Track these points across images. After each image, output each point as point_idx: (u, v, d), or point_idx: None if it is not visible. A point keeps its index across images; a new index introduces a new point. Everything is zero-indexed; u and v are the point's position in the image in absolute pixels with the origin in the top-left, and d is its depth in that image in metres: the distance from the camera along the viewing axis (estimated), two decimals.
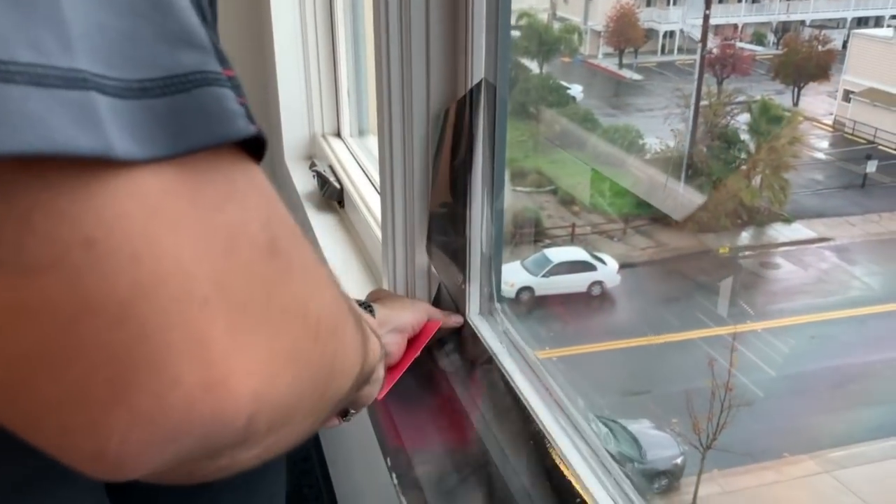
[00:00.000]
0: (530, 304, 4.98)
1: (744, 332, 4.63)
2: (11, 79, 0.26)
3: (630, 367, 4.89)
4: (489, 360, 0.88)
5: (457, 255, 0.91)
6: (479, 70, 0.83)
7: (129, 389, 0.29)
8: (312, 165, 1.43)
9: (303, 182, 1.49)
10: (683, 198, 4.83)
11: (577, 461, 0.75)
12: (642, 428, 4.64)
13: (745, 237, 5.17)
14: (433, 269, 0.95)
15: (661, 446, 4.49)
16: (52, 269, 0.27)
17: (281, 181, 1.72)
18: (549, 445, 0.77)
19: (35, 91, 0.26)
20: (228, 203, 0.33)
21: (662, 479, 4.49)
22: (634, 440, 4.52)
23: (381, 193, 0.92)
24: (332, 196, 1.34)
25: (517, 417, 0.82)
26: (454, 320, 0.95)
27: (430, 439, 0.85)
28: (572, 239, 5.33)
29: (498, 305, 0.93)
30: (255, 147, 0.34)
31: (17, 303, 0.27)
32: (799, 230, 5.11)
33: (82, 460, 0.30)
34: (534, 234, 5.27)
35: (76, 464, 0.30)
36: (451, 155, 0.86)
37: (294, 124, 1.64)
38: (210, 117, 0.31)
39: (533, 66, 5.56)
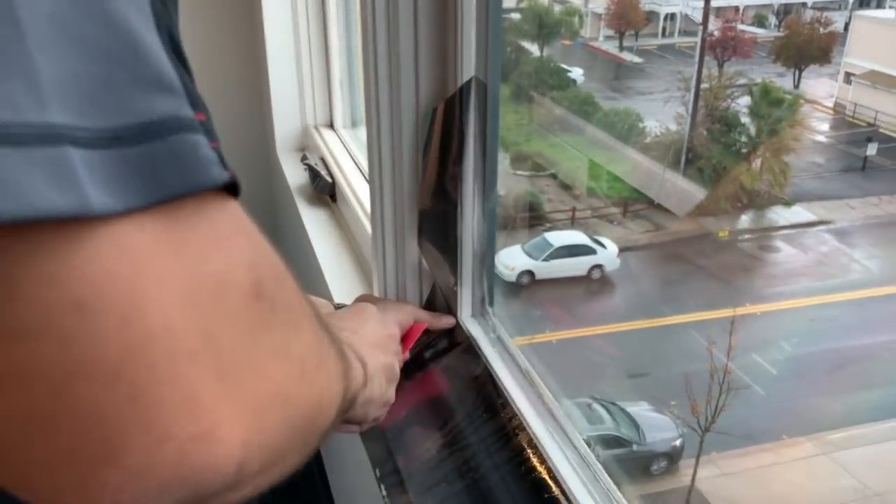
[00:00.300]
0: (530, 288, 5.00)
1: (743, 315, 4.65)
2: None
3: (629, 350, 4.91)
4: (481, 366, 0.88)
5: (448, 256, 0.91)
6: (469, 67, 0.84)
7: (121, 448, 0.29)
8: (304, 158, 1.44)
9: (294, 175, 1.48)
10: (682, 186, 4.84)
11: (567, 473, 0.74)
12: (641, 410, 4.66)
13: (745, 220, 5.18)
14: (427, 268, 0.96)
15: (660, 429, 4.51)
16: (42, 335, 0.28)
17: (273, 174, 1.72)
18: (539, 456, 0.77)
19: (9, 152, 0.26)
20: (213, 251, 0.33)
21: (661, 460, 4.52)
22: (633, 422, 4.54)
23: (371, 193, 0.92)
24: (324, 190, 1.34)
25: (508, 426, 0.82)
26: (444, 322, 0.94)
27: (417, 442, 0.85)
28: (573, 223, 5.33)
29: (490, 309, 0.93)
30: (231, 187, 0.34)
31: (8, 369, 0.28)
32: (799, 213, 5.11)
33: None
34: (534, 218, 5.27)
35: None
36: (439, 154, 0.87)
37: (286, 116, 1.64)
38: (185, 165, 0.31)
39: (533, 49, 5.54)
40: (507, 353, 0.87)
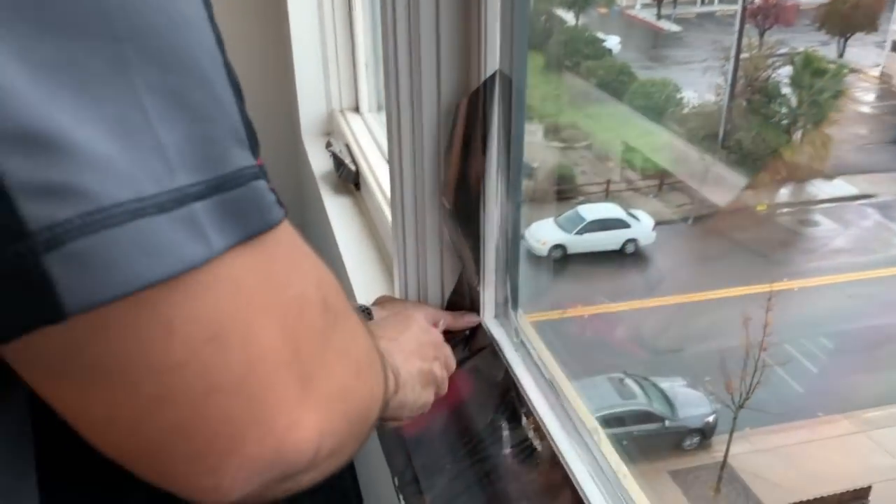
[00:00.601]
0: (562, 262, 4.95)
1: (780, 291, 4.56)
2: (145, 212, 0.32)
3: (663, 326, 4.86)
4: (504, 371, 0.85)
5: (471, 255, 0.89)
6: (493, 61, 0.81)
7: (241, 441, 0.37)
8: (329, 145, 1.41)
9: (319, 162, 1.46)
10: (721, 173, 4.73)
11: (591, 490, 0.72)
12: (675, 386, 4.63)
13: (784, 194, 5.06)
14: (450, 265, 0.93)
15: (693, 404, 4.48)
16: (188, 364, 0.34)
17: (298, 160, 1.70)
18: (563, 472, 0.74)
19: (162, 219, 0.32)
20: (292, 276, 0.40)
21: (694, 436, 4.50)
22: (666, 398, 4.51)
23: (392, 189, 0.90)
24: (348, 178, 1.32)
25: (532, 438, 0.80)
26: (467, 321, 0.92)
27: (437, 450, 0.84)
28: (607, 195, 5.25)
29: (513, 311, 0.90)
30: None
31: (161, 392, 0.34)
32: (840, 186, 4.98)
33: (199, 493, 0.38)
34: (567, 190, 5.20)
35: (193, 496, 0.38)
36: (462, 151, 0.84)
37: (311, 100, 1.61)
38: (260, 206, 0.37)
39: (568, 17, 5.43)
40: (530, 359, 0.85)
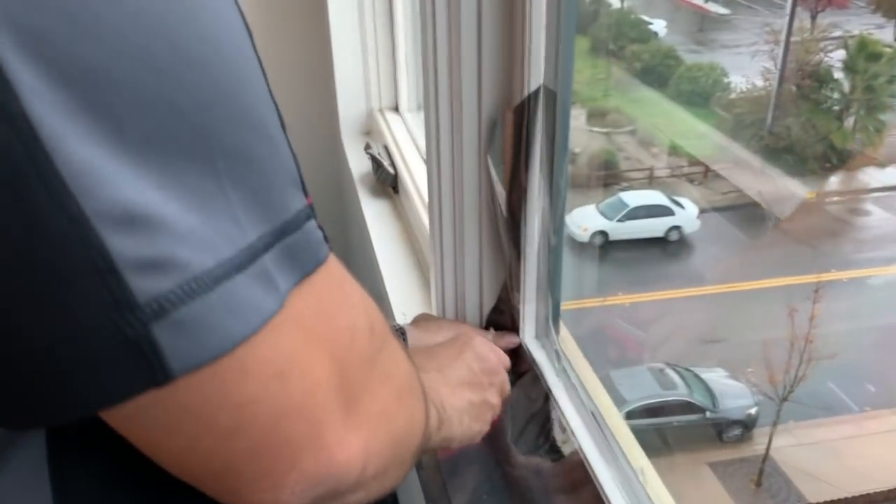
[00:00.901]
0: (604, 249, 4.90)
1: (828, 282, 4.46)
2: (227, 275, 0.34)
3: (706, 315, 4.78)
4: (545, 398, 0.82)
5: (512, 270, 0.87)
6: (537, 74, 0.78)
7: (300, 459, 0.40)
8: (367, 147, 1.39)
9: (357, 163, 1.45)
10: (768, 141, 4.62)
11: None
12: (717, 377, 4.56)
13: (834, 182, 4.93)
14: (489, 278, 0.91)
15: (735, 396, 4.41)
16: (260, 399, 0.37)
17: (337, 160, 1.69)
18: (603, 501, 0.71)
19: (240, 278, 0.34)
20: (343, 307, 0.43)
21: (735, 428, 4.44)
22: (708, 389, 4.45)
23: (430, 202, 0.88)
24: (386, 181, 1.30)
25: (573, 473, 0.77)
26: (507, 341, 0.90)
27: (473, 481, 0.82)
28: (650, 182, 5.17)
29: (553, 328, 0.88)
30: None
31: (238, 423, 0.37)
32: (894, 175, 4.85)
33: None
34: (610, 176, 5.13)
35: None
36: (512, 166, 0.82)
37: (350, 99, 1.60)
38: (312, 245, 0.39)
39: (614, 0, 5.33)
40: (573, 387, 0.82)
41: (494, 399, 0.76)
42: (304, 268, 0.39)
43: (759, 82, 4.87)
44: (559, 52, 0.78)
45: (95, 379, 0.33)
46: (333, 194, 1.81)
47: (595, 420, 0.77)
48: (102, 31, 0.31)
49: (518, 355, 0.91)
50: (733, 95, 4.99)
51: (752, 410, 4.51)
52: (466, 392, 0.72)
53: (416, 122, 1.50)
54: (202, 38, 0.35)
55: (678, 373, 4.60)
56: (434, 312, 0.97)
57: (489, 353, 0.77)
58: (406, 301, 1.07)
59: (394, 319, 1.02)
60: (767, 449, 4.32)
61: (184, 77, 0.33)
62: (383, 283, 1.13)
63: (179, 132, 0.33)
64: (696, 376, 4.56)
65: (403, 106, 1.57)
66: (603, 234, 4.86)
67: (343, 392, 0.42)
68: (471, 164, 0.85)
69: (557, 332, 0.88)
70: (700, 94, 5.04)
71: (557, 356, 0.87)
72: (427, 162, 0.86)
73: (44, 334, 0.32)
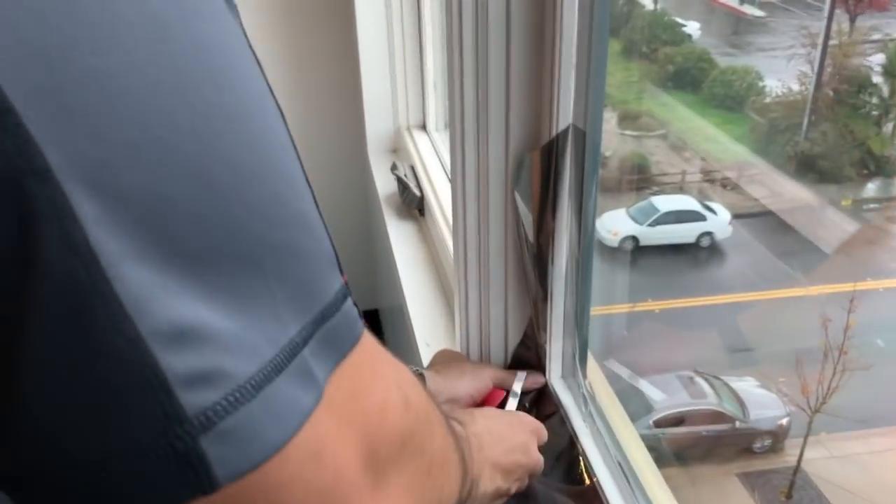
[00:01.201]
0: (634, 254, 4.84)
1: (864, 291, 4.36)
2: (268, 379, 0.34)
3: (737, 323, 4.71)
4: (571, 444, 0.80)
5: (539, 309, 0.84)
6: (566, 113, 0.75)
7: None
8: (394, 168, 1.37)
9: (384, 182, 1.43)
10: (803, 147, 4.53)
11: None
12: (747, 386, 4.49)
13: (871, 189, 4.83)
14: (514, 314, 0.88)
15: (766, 406, 4.34)
16: (293, 480, 0.37)
17: (364, 177, 1.67)
18: None
19: (281, 379, 0.35)
20: (375, 384, 0.43)
21: (765, 439, 4.36)
22: (738, 398, 4.38)
23: (454, 242, 0.86)
24: (412, 204, 1.28)
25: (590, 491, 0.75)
26: (532, 381, 0.88)
27: None
28: (682, 186, 5.10)
29: (581, 368, 0.85)
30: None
31: (278, 499, 0.37)
32: None
33: None
34: (641, 180, 5.07)
35: None
36: (539, 204, 0.79)
37: (378, 117, 1.57)
38: (350, 326, 0.40)
39: (647, 1, 5.26)
40: (599, 434, 0.79)
41: (514, 490, 0.75)
42: (341, 350, 0.39)
43: (795, 86, 4.77)
44: (589, 91, 0.75)
45: (143, 491, 0.34)
46: (360, 211, 1.79)
47: (622, 471, 0.74)
48: (163, 156, 0.31)
49: (544, 396, 0.88)
50: (768, 100, 4.90)
51: (784, 421, 4.44)
52: (499, 479, 0.70)
53: (444, 140, 1.48)
54: (253, 149, 0.35)
55: (707, 381, 4.54)
56: (458, 347, 0.95)
57: (538, 456, 0.76)
58: (429, 329, 1.05)
59: (418, 354, 1.00)
60: (799, 461, 4.24)
61: (237, 188, 0.34)
62: (407, 310, 1.11)
63: (232, 242, 0.34)
64: (726, 385, 4.50)
65: (431, 125, 1.54)
66: (633, 238, 4.80)
67: (372, 468, 0.42)
68: (497, 200, 0.82)
69: (584, 373, 0.85)
70: (734, 97, 4.96)
71: (585, 400, 0.84)
72: (453, 198, 0.84)
73: (97, 450, 0.32)
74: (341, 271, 0.41)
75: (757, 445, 4.45)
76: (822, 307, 4.34)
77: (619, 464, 0.73)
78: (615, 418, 0.79)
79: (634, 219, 4.88)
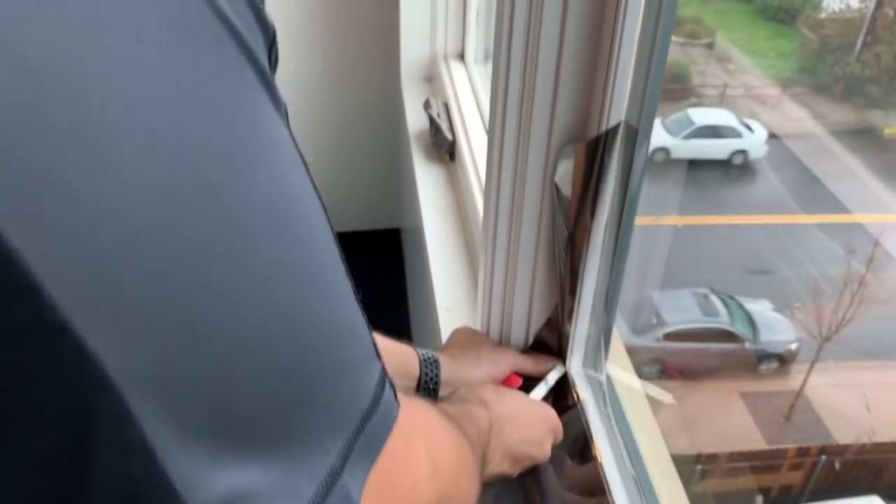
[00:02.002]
0: (663, 166, 4.74)
1: (894, 224, 4.28)
2: None
3: (760, 245, 4.67)
4: (587, 445, 0.79)
5: (565, 301, 0.82)
6: (618, 109, 0.71)
7: None
8: (427, 106, 1.31)
9: (415, 117, 1.37)
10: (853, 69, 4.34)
11: None
12: (761, 308, 4.49)
13: None
14: (540, 295, 0.86)
15: (777, 329, 4.36)
16: None
17: (395, 105, 1.60)
18: None
19: None
20: (407, 463, 0.42)
21: (772, 361, 4.40)
22: (750, 319, 4.40)
23: (483, 222, 0.83)
24: (443, 147, 1.22)
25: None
26: (545, 367, 0.87)
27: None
28: (722, 100, 4.94)
29: (605, 361, 0.83)
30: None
31: None
32: None
33: None
34: (679, 90, 4.91)
35: None
36: (578, 202, 0.76)
37: (415, 42, 1.49)
38: (388, 417, 0.38)
39: None
40: (618, 443, 0.78)
41: (547, 448, 0.78)
42: (378, 447, 0.38)
43: (855, 3, 4.53)
44: (647, 88, 0.70)
45: None
46: (389, 142, 1.73)
47: (637, 487, 0.74)
48: (223, 342, 0.30)
49: (561, 387, 0.87)
50: (823, 15, 4.66)
51: (793, 346, 4.47)
52: (507, 464, 0.73)
53: (481, 74, 1.41)
54: (311, 300, 0.34)
55: (722, 300, 4.55)
56: (477, 321, 0.94)
57: (549, 453, 0.76)
58: (450, 294, 1.04)
59: (437, 319, 0.99)
60: (803, 385, 4.30)
61: (294, 347, 0.33)
62: (429, 269, 1.08)
63: (286, 396, 0.33)
64: (741, 306, 4.51)
65: (469, 55, 1.47)
66: (665, 150, 4.69)
67: None
68: (534, 188, 0.79)
69: (607, 358, 0.84)
70: (788, 10, 4.72)
71: (604, 398, 0.83)
72: (486, 180, 0.81)
73: None
74: (378, 356, 0.40)
75: (763, 367, 4.51)
76: (848, 236, 4.28)
77: (635, 480, 0.73)
78: (636, 424, 0.78)
79: (669, 130, 4.76)
